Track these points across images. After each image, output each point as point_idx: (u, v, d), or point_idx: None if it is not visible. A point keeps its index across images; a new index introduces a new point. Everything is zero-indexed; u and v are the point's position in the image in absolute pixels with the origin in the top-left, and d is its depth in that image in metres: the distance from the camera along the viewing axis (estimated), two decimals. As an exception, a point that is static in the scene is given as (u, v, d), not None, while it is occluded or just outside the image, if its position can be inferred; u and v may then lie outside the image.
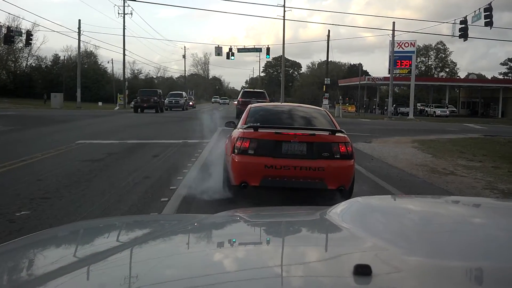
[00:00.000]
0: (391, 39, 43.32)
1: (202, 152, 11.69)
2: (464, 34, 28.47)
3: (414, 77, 46.18)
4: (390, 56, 43.77)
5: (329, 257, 1.44)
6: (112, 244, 1.67)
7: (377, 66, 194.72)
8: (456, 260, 1.19)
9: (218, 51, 50.42)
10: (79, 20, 49.12)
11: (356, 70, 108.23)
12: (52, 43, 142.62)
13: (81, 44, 49.91)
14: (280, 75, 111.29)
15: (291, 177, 6.42)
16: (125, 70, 59.09)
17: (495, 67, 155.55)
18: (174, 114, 35.21)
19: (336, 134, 6.65)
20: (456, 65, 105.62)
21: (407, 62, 45.20)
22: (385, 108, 64.81)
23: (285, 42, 49.70)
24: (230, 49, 49.54)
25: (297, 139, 6.49)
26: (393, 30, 42.65)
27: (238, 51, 51.02)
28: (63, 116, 29.01)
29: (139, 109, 38.11)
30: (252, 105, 8.45)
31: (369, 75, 75.25)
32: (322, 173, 6.44)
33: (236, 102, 30.73)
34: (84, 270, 1.34)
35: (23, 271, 1.46)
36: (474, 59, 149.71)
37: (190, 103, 71.29)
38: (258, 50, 52.46)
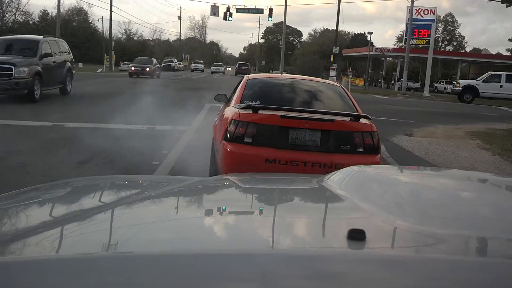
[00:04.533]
0: (409, 4, 38.35)
1: (162, 163, 6.68)
2: (508, -1, 23.68)
3: (432, 49, 41.39)
4: (407, 24, 38.87)
5: (324, 221, 1.43)
6: (98, 203, 1.65)
7: (378, 37, 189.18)
8: (443, 228, 1.22)
9: (214, 10, 45.15)
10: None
11: (360, 40, 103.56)
12: (43, 0, 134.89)
13: (74, 1, 44.79)
14: (280, 43, 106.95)
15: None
16: (119, 31, 54.16)
17: (496, 43, 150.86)
18: (158, 81, 29.93)
19: (360, 121, 5.04)
20: (464, 39, 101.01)
21: (425, 32, 40.29)
22: (392, 82, 60.38)
23: (287, 3, 44.69)
24: (228, 9, 44.28)
25: (309, 126, 4.90)
26: (413, -6, 37.65)
27: (237, 12, 45.79)
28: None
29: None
30: (250, 76, 6.47)
31: (373, 46, 71.22)
32: None
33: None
34: (65, 229, 1.28)
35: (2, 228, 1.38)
36: (474, 34, 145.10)
37: (180, 66, 71.56)
38: (260, 11, 46.91)
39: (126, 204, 1.61)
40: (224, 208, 1.58)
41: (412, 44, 40.98)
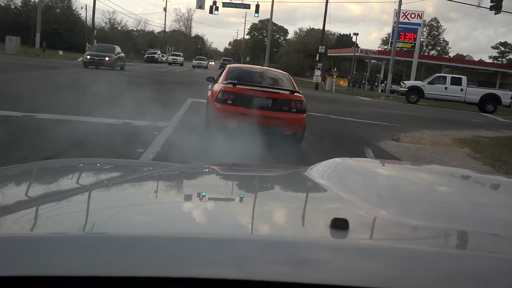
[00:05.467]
0: (396, 7, 38.23)
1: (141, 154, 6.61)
2: (496, 5, 23.54)
3: (417, 53, 41.42)
4: (393, 26, 38.75)
5: (306, 210, 1.42)
6: (76, 184, 1.65)
7: (363, 39, 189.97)
8: (420, 220, 1.24)
9: (200, 3, 44.37)
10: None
11: (345, 41, 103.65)
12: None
13: None
14: (265, 40, 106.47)
15: (261, 125, 7.75)
16: (103, 21, 52.88)
17: (478, 49, 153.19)
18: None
19: (294, 94, 8.34)
20: (448, 44, 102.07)
21: (411, 35, 40.37)
22: (376, 84, 60.40)
23: (274, 0, 44.19)
24: (214, 2, 43.55)
25: (265, 95, 8.08)
26: (401, -4, 37.50)
27: (223, 6, 45.05)
28: (3, 64, 23.42)
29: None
30: (230, 65, 10.13)
31: (358, 47, 71.10)
32: (281, 122, 8.05)
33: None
34: (41, 208, 1.26)
35: None
36: (457, 40, 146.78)
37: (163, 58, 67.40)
38: (246, 6, 46.18)
39: (105, 187, 1.59)
40: (204, 194, 1.56)
41: (397, 47, 40.90)
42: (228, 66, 9.76)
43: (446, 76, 33.48)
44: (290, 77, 9.71)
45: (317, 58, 38.07)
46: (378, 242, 1.14)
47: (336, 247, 1.03)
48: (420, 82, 34.48)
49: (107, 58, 28.36)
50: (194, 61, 68.78)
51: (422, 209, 1.40)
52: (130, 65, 47.98)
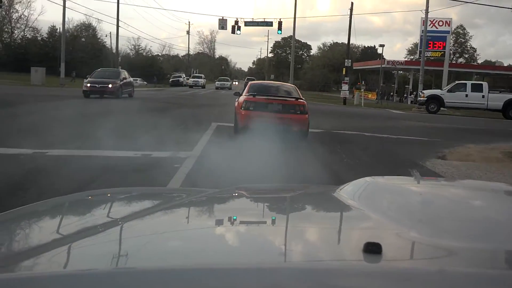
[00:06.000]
0: (423, 15, 37.11)
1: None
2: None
3: (447, 61, 40.05)
4: (421, 35, 37.59)
5: (338, 234, 1.42)
6: (108, 217, 1.65)
7: (387, 50, 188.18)
8: (456, 240, 1.20)
9: (223, 24, 44.02)
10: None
11: (370, 53, 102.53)
12: (52, 16, 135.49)
13: (83, 17, 43.99)
14: (289, 57, 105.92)
15: (274, 123, 10.50)
16: (128, 47, 53.04)
17: (506, 54, 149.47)
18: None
19: (298, 100, 11.38)
20: (475, 51, 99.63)
21: (440, 44, 39.12)
22: (405, 95, 58.93)
23: (296, 16, 43.53)
24: (236, 22, 43.12)
25: (276, 102, 11.16)
26: (427, 4, 36.38)
27: (246, 25, 44.61)
28: (18, 95, 22.83)
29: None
30: (251, 82, 14.21)
31: (384, 59, 69.88)
32: (289, 121, 10.87)
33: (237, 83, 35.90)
34: (77, 243, 1.27)
35: (14, 243, 1.38)
36: (484, 46, 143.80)
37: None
38: (268, 24, 45.49)
39: (136, 218, 1.56)
40: (235, 218, 1.56)
41: (426, 56, 39.65)
42: (249, 82, 13.86)
43: (466, 83, 32.16)
44: (297, 88, 13.04)
45: (344, 72, 37.08)
46: (413, 266, 1.11)
47: (370, 272, 1.01)
48: (439, 90, 33.28)
49: (110, 85, 24.64)
50: (217, 82, 66.14)
51: (457, 228, 1.33)
52: (156, 89, 47.95)
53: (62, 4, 43.03)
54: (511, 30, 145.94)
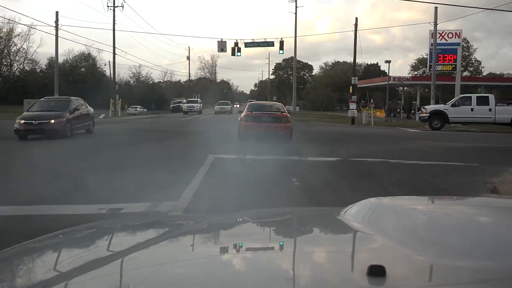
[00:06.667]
0: (432, 28, 35.30)
1: None
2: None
3: (459, 75, 38.09)
4: (431, 49, 35.73)
5: (343, 257, 1.41)
6: (113, 247, 1.62)
7: (391, 66, 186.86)
8: (465, 260, 1.19)
9: (222, 46, 42.31)
10: (57, 13, 42.18)
11: (373, 70, 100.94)
12: (51, 48, 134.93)
13: (83, 47, 42.59)
14: (290, 77, 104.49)
15: (266, 130, 15.48)
16: (128, 75, 51.40)
17: (507, 67, 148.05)
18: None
19: (282, 113, 16.45)
20: (480, 64, 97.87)
21: (451, 57, 37.19)
22: (412, 112, 57.05)
23: (297, 35, 41.82)
24: (236, 44, 41.47)
25: (266, 115, 16.17)
26: (436, 16, 34.61)
27: (246, 46, 42.93)
28: None
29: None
30: (250, 102, 21.95)
31: (387, 75, 68.37)
32: (277, 129, 15.65)
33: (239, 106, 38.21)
34: (80, 277, 1.25)
35: (20, 276, 1.38)
36: (485, 59, 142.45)
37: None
38: (270, 44, 43.67)
39: (143, 248, 1.53)
40: (240, 244, 1.54)
41: (427, 71, 37.69)
42: (249, 102, 20.35)
43: (471, 96, 29.90)
44: (283, 105, 19.06)
45: (351, 91, 35.12)
46: None
47: None
48: (443, 105, 30.98)
49: (53, 121, 17.88)
50: (216, 107, 59.81)
51: (463, 248, 1.30)
52: (153, 117, 46.08)
53: (55, 34, 41.54)
54: (510, 42, 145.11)
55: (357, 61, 35.03)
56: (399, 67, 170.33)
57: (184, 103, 60.36)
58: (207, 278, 1.16)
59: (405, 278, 1.15)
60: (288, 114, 16.77)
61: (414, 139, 20.17)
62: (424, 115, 29.79)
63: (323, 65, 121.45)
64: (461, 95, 32.08)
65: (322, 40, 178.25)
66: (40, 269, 1.40)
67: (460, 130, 29.08)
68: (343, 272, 1.23)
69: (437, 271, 1.15)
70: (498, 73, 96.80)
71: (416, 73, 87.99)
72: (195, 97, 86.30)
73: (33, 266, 1.45)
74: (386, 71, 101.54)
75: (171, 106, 68.47)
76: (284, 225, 1.98)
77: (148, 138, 18.74)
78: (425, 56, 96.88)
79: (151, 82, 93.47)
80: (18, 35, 73.91)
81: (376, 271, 1.04)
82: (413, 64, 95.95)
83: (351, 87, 34.89)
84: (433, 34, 35.21)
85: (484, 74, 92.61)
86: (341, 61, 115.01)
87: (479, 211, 1.90)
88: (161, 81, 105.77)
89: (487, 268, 1.14)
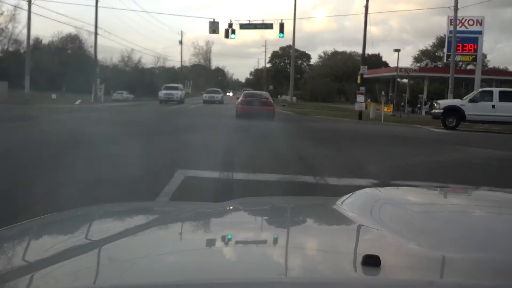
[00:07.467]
0: (451, 14, 31.24)
1: None
2: None
3: (480, 67, 34.17)
4: (449, 37, 31.71)
5: (337, 247, 1.40)
6: (99, 234, 1.59)
7: (388, 58, 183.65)
8: (459, 251, 1.19)
9: (214, 27, 38.07)
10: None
11: (374, 61, 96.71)
12: (39, 30, 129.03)
13: (74, 29, 38.41)
14: (287, 66, 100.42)
15: (256, 111, 24.09)
16: (118, 60, 46.93)
17: (505, 61, 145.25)
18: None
19: (268, 100, 26.33)
20: (486, 57, 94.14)
21: (471, 46, 33.23)
22: (418, 106, 53.32)
23: (295, 18, 37.65)
24: (230, 25, 37.22)
25: (256, 100, 25.88)
26: (456, 0, 30.50)
27: (241, 28, 38.66)
28: None
29: None
30: (245, 90, 36.93)
31: (388, 66, 64.74)
32: (263, 110, 24.46)
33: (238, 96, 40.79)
34: (70, 261, 1.24)
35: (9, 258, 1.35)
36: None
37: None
38: (268, 26, 39.23)
39: (134, 233, 1.52)
40: (230, 236, 1.49)
41: (432, 63, 33.68)
42: (243, 90, 38.69)
43: (492, 91, 25.64)
44: (268, 94, 29.46)
45: (359, 81, 31.07)
46: (411, 278, 1.10)
47: (369, 285, 1.03)
48: (459, 100, 26.55)
49: None
50: (204, 95, 52.81)
51: (457, 239, 1.31)
52: (133, 105, 41.83)
53: (28, 9, 37.14)
54: (508, 38, 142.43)
55: (355, 51, 31.11)
56: (397, 59, 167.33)
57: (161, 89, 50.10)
58: (197, 266, 1.15)
59: (399, 268, 1.16)
60: (272, 101, 27.01)
61: (447, 143, 16.16)
62: (438, 111, 25.53)
63: (322, 54, 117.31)
64: (480, 89, 28.02)
65: (318, 30, 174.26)
66: (30, 252, 1.37)
67: (480, 130, 25.04)
68: (338, 261, 1.23)
69: (432, 262, 1.15)
70: (502, 67, 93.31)
71: (419, 64, 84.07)
72: (187, 84, 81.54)
73: (21, 250, 1.41)
74: (388, 62, 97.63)
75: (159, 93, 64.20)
76: (279, 214, 1.96)
77: (98, 139, 14.47)
78: (428, 48, 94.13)
79: (141, 67, 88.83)
80: (1, 13, 69.41)
81: (371, 261, 1.04)
82: (416, 55, 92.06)
83: (359, 77, 30.85)
84: (453, 21, 31.14)
85: (488, 68, 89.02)
86: (340, 50, 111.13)
87: (476, 203, 1.89)
88: (154, 66, 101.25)
89: (482, 259, 1.14)
